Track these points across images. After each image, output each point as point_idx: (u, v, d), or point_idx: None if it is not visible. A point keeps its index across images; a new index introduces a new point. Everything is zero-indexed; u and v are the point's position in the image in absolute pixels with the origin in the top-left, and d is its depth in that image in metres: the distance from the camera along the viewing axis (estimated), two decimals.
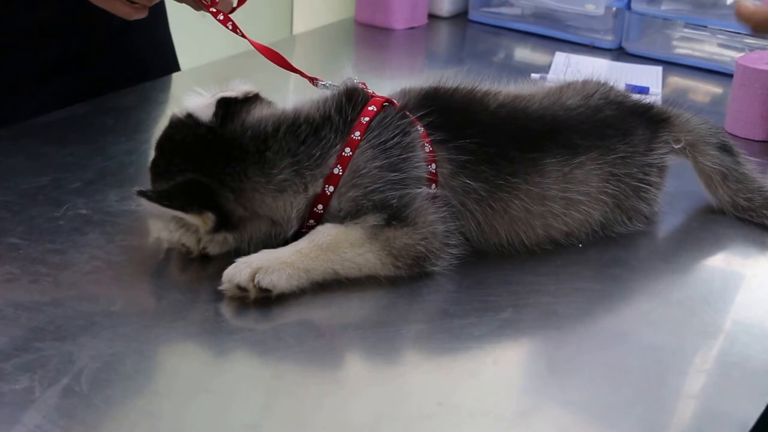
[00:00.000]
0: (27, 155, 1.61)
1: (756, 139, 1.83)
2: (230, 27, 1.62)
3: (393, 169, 1.33)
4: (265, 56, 1.59)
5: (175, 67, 2.02)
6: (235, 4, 1.72)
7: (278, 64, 1.59)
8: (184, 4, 1.63)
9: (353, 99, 1.38)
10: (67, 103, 1.76)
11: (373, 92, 1.41)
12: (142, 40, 1.69)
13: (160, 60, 1.98)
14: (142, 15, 1.60)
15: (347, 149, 1.33)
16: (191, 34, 1.54)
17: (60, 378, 1.10)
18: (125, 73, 1.87)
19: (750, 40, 2.29)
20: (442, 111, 1.39)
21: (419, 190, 1.33)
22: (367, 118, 1.35)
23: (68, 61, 1.71)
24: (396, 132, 1.35)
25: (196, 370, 1.17)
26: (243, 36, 1.62)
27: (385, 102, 1.38)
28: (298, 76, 1.59)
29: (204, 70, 2.12)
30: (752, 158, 1.57)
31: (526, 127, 1.41)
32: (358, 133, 1.34)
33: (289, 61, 1.59)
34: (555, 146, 1.41)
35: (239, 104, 1.38)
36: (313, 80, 1.54)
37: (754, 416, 1.12)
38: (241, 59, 1.90)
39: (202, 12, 1.66)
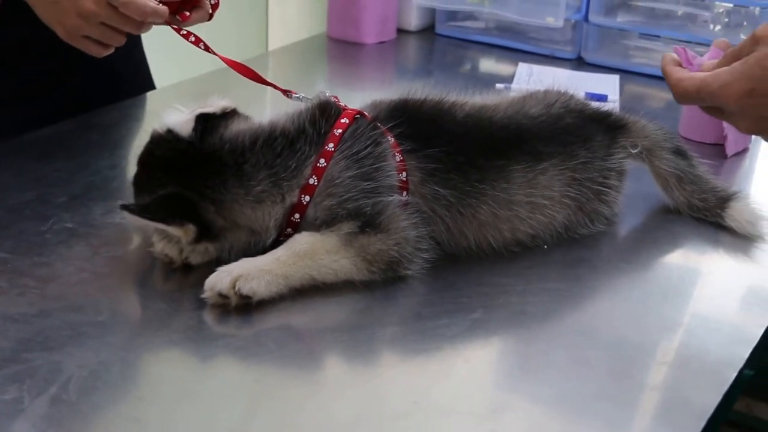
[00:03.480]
0: (13, 171, 1.59)
1: (708, 142, 1.84)
2: (202, 47, 1.62)
3: (366, 179, 1.32)
4: (238, 72, 1.58)
5: (151, 85, 2.01)
6: (210, 11, 1.71)
7: (251, 79, 1.59)
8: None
9: (326, 112, 1.37)
10: (47, 121, 1.75)
11: (345, 105, 1.40)
12: (117, 60, 1.67)
13: (136, 78, 1.97)
14: (109, 52, 1.59)
15: (322, 160, 1.32)
16: (166, 52, 1.53)
17: (48, 387, 1.09)
18: (102, 91, 1.85)
19: (700, 49, 2.29)
20: (412, 122, 1.39)
21: (391, 197, 1.32)
22: (339, 130, 1.35)
23: (46, 80, 1.69)
24: (368, 143, 1.34)
25: (181, 377, 1.16)
26: (215, 54, 1.61)
27: (356, 114, 1.38)
28: (273, 90, 1.58)
29: (180, 87, 2.11)
30: (705, 160, 1.58)
31: (491, 136, 1.41)
32: (331, 145, 1.33)
33: (265, 75, 1.58)
34: (519, 153, 1.41)
35: (217, 119, 1.38)
36: (286, 93, 1.54)
37: (712, 405, 1.12)
38: (216, 75, 1.89)
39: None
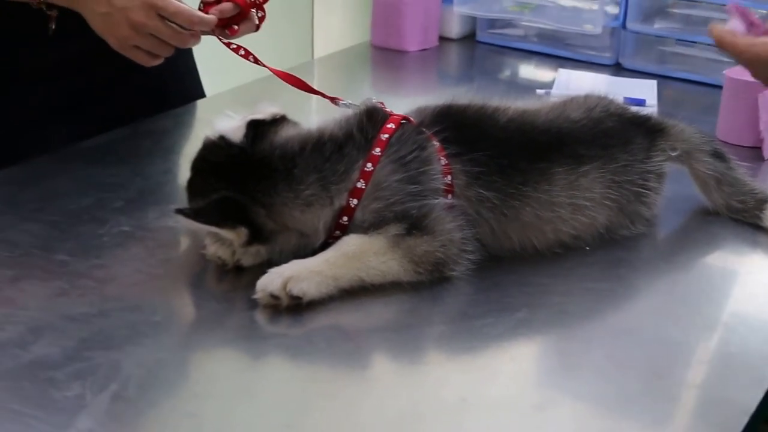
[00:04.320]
0: (71, 178, 1.61)
1: (745, 145, 1.82)
2: (252, 60, 1.63)
3: (412, 182, 1.32)
4: (286, 81, 1.60)
5: (201, 93, 2.01)
6: (257, 22, 1.72)
7: (299, 88, 1.60)
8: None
9: (373, 117, 1.37)
10: (101, 129, 1.76)
11: (391, 111, 1.40)
12: (168, 69, 1.68)
13: (186, 86, 1.97)
14: (158, 62, 1.61)
15: (369, 164, 1.33)
16: (215, 61, 1.54)
17: (109, 384, 1.10)
18: (154, 100, 1.86)
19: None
20: (456, 126, 1.39)
21: (437, 200, 1.33)
22: (386, 135, 1.35)
23: (99, 89, 1.71)
24: (413, 147, 1.34)
25: (235, 375, 1.17)
26: (264, 65, 1.63)
27: (402, 120, 1.38)
28: (319, 97, 1.59)
29: (230, 95, 2.12)
30: (743, 163, 1.57)
31: (534, 140, 1.41)
32: (378, 149, 1.34)
33: (312, 82, 1.59)
34: (561, 156, 1.40)
35: (267, 125, 1.39)
36: (334, 100, 1.54)
37: (754, 402, 1.11)
38: (264, 83, 1.90)
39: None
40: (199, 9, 1.71)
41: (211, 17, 1.57)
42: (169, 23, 1.55)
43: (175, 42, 1.58)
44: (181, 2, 1.57)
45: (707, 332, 1.27)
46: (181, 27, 1.57)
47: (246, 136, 1.36)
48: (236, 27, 1.70)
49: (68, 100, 1.73)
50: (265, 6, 1.71)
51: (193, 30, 1.58)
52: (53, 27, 1.62)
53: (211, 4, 1.67)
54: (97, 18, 1.55)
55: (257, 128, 1.38)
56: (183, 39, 1.58)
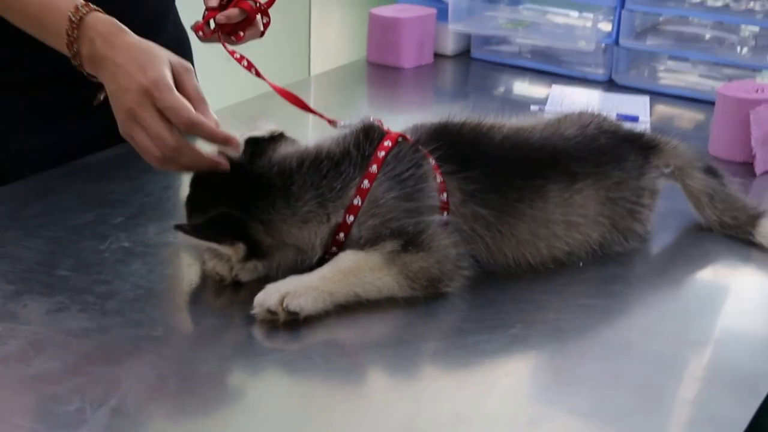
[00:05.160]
0: (72, 193, 1.61)
1: (737, 160, 1.83)
2: (254, 72, 1.61)
3: (408, 199, 1.33)
4: (287, 100, 1.58)
5: None
6: (261, 28, 1.71)
7: (299, 107, 1.58)
8: (206, 51, 1.61)
9: (370, 135, 1.38)
10: (104, 145, 1.76)
11: (388, 128, 1.41)
12: None
13: None
14: (154, 162, 1.41)
15: (365, 182, 1.33)
16: (213, 78, 1.53)
17: (109, 399, 1.10)
18: None
19: (728, 71, 2.29)
20: (452, 144, 1.39)
21: (432, 217, 1.33)
22: (383, 153, 1.35)
23: (102, 106, 1.70)
24: (410, 165, 1.35)
25: (232, 389, 1.17)
26: (265, 80, 1.61)
27: (399, 137, 1.38)
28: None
29: (228, 111, 2.11)
30: (735, 178, 1.58)
31: (528, 157, 1.41)
32: (375, 167, 1.34)
33: (309, 99, 1.58)
34: (556, 174, 1.41)
35: (266, 143, 1.39)
36: (332, 122, 1.53)
37: (746, 419, 1.11)
38: (262, 100, 1.90)
39: (227, 57, 1.65)
40: (204, 15, 1.71)
41: (208, 125, 1.37)
42: (163, 118, 1.36)
43: (157, 143, 1.37)
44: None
45: (700, 348, 1.27)
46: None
47: (245, 152, 1.37)
48: (242, 33, 1.69)
49: (68, 114, 1.73)
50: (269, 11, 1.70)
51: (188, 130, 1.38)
52: (101, 98, 1.54)
53: (216, 10, 1.66)
54: (108, 95, 1.43)
55: (256, 145, 1.38)
56: (166, 144, 1.36)
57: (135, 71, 1.37)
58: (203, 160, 1.38)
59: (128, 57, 1.39)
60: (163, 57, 1.40)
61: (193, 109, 1.36)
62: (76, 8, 1.43)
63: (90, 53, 1.43)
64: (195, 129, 1.37)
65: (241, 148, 1.36)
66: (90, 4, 1.45)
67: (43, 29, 1.47)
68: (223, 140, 1.38)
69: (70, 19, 1.43)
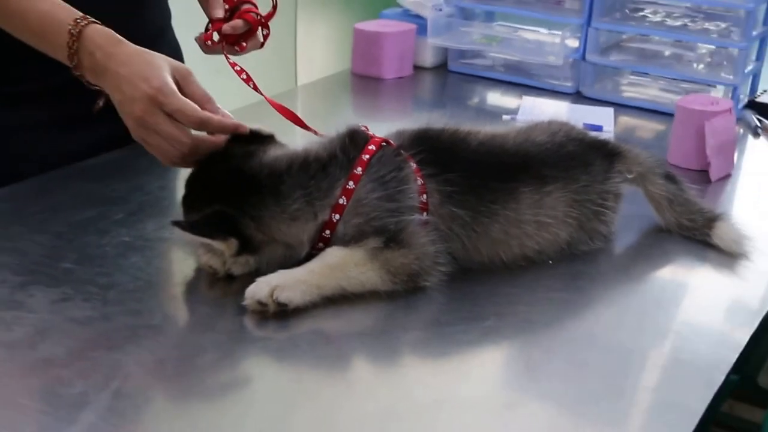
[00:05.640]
0: (76, 192, 1.61)
1: (694, 168, 1.84)
2: (251, 86, 1.61)
3: (390, 200, 1.33)
4: (280, 113, 1.57)
5: None
6: (262, 40, 1.72)
7: (293, 122, 1.58)
8: (196, 62, 1.60)
9: (355, 139, 1.38)
10: (104, 148, 1.76)
11: (373, 133, 1.41)
12: None
13: None
14: (174, 164, 1.45)
15: (351, 183, 1.33)
16: (207, 88, 1.53)
17: (110, 382, 1.10)
18: None
19: (685, 85, 2.31)
20: (432, 149, 1.39)
21: (413, 217, 1.33)
22: (367, 156, 1.35)
23: (102, 112, 1.69)
24: (392, 168, 1.35)
25: (225, 374, 1.17)
26: (262, 94, 1.60)
27: (382, 142, 1.38)
28: (303, 118, 1.58)
29: None
30: (692, 185, 1.58)
31: (502, 162, 1.42)
32: (359, 169, 1.34)
33: (296, 107, 1.58)
34: (527, 177, 1.41)
35: (258, 146, 1.39)
36: (320, 136, 1.51)
37: (702, 405, 1.12)
38: (251, 109, 1.89)
39: (217, 69, 1.65)
40: (207, 28, 1.71)
41: (216, 119, 1.41)
42: (174, 121, 1.38)
43: (174, 144, 1.40)
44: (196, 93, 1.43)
45: (659, 339, 1.28)
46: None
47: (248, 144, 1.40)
48: (245, 44, 1.70)
49: (74, 120, 1.73)
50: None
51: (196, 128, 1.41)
52: (101, 104, 1.60)
53: (221, 21, 1.67)
54: (114, 104, 1.44)
55: (248, 148, 1.39)
56: (182, 142, 1.40)
57: (138, 81, 1.38)
58: (219, 141, 1.41)
59: (130, 67, 1.40)
60: (163, 64, 1.41)
61: (199, 108, 1.38)
62: (75, 21, 1.43)
63: (91, 64, 1.43)
64: (205, 125, 1.40)
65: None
66: (88, 17, 1.45)
67: (45, 41, 1.47)
68: (233, 129, 1.42)
69: (70, 32, 1.43)
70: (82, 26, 1.43)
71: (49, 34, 1.45)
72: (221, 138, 1.43)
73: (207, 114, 1.40)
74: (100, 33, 1.44)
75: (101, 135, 1.72)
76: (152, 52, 1.44)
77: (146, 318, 1.26)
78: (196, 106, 1.39)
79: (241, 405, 1.10)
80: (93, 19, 1.45)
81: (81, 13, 1.45)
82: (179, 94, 1.38)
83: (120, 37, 1.45)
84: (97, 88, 1.47)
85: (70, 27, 1.43)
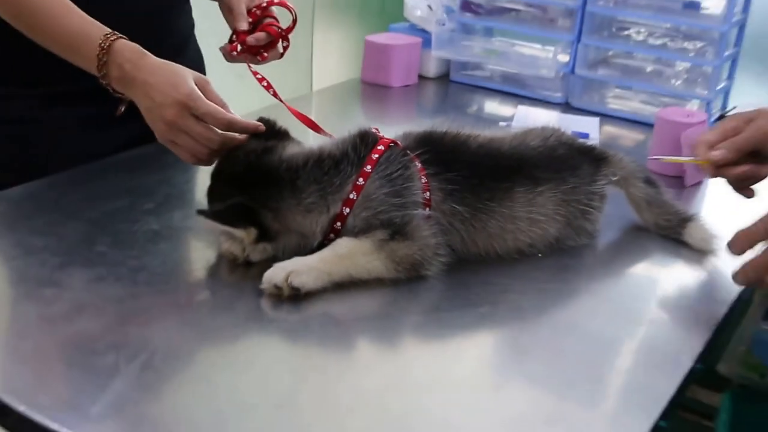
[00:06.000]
0: (109, 184, 1.61)
1: (670, 174, 1.83)
2: (271, 92, 1.62)
3: (396, 195, 1.33)
4: (298, 118, 1.59)
5: None
6: (281, 50, 1.72)
7: (308, 126, 1.59)
8: (217, 68, 1.61)
9: (365, 140, 1.38)
10: (135, 144, 1.76)
11: (382, 135, 1.41)
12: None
13: None
14: (199, 162, 1.49)
15: (360, 179, 1.33)
16: (226, 91, 1.54)
17: (139, 355, 1.11)
18: None
19: (664, 99, 2.30)
20: (435, 150, 1.39)
21: (416, 212, 1.33)
22: (376, 155, 1.35)
23: (132, 111, 1.69)
24: (399, 166, 1.35)
25: (243, 350, 1.17)
26: (281, 101, 1.62)
27: (391, 143, 1.38)
28: (317, 120, 1.59)
29: None
30: (669, 189, 1.58)
31: (499, 163, 1.41)
32: (369, 167, 1.34)
33: (310, 110, 1.59)
34: (521, 178, 1.41)
35: (276, 144, 1.40)
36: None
37: (672, 388, 1.13)
38: (269, 111, 1.87)
39: (238, 74, 1.65)
40: (231, 39, 1.71)
41: (240, 120, 1.44)
42: (201, 123, 1.42)
43: (205, 142, 1.43)
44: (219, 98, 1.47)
45: (635, 328, 1.28)
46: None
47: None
48: (266, 54, 1.70)
49: (106, 119, 1.73)
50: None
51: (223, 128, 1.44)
52: (123, 110, 1.60)
53: (245, 33, 1.67)
54: (144, 113, 1.47)
55: (268, 145, 1.40)
56: (212, 139, 1.43)
57: (168, 89, 1.41)
58: (242, 139, 1.44)
59: (158, 77, 1.43)
60: (187, 74, 1.44)
61: (225, 111, 1.42)
62: (105, 37, 1.46)
63: (120, 75, 1.46)
64: (232, 126, 1.43)
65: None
66: (116, 33, 1.47)
67: (76, 55, 1.49)
68: (254, 129, 1.44)
69: (100, 46, 1.46)
70: (111, 41, 1.46)
71: (81, 48, 1.48)
72: (243, 136, 1.44)
73: (233, 116, 1.43)
74: (127, 47, 1.47)
75: (131, 132, 1.72)
76: (175, 64, 1.46)
77: (172, 298, 1.26)
78: (222, 109, 1.42)
79: (257, 377, 1.10)
80: (120, 35, 1.47)
81: (109, 30, 1.47)
82: (206, 99, 1.41)
83: (145, 51, 1.47)
84: (120, 95, 1.50)
85: (100, 42, 1.46)
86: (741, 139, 1.39)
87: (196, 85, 1.43)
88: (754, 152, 1.39)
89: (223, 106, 1.45)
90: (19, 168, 1.64)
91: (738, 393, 1.48)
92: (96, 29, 1.48)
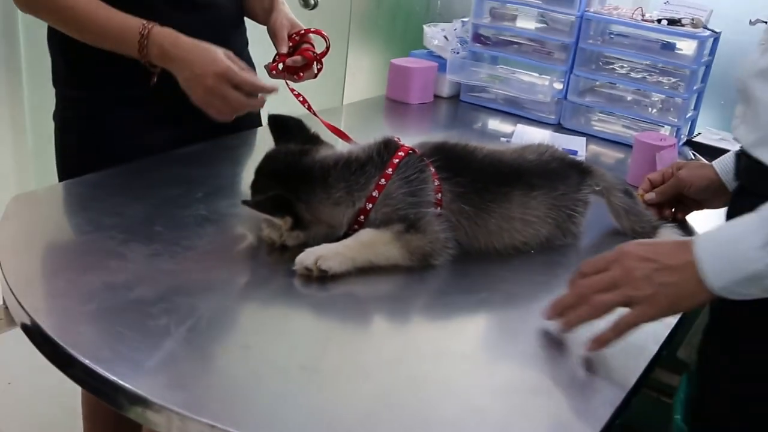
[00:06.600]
0: (167, 174, 1.60)
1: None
2: (306, 107, 1.64)
3: (412, 195, 1.32)
4: (330, 130, 1.60)
5: (259, 123, 1.97)
6: (315, 72, 1.72)
7: (338, 136, 1.61)
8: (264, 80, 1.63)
9: (388, 146, 1.37)
10: (190, 142, 1.75)
11: (402, 143, 1.40)
12: None
13: (251, 118, 1.95)
14: (229, 119, 1.59)
15: (383, 180, 1.32)
16: (270, 102, 1.57)
17: (187, 320, 1.10)
18: (228, 125, 1.84)
19: (642, 124, 2.28)
20: (447, 158, 1.38)
21: (429, 210, 1.32)
22: (397, 160, 1.34)
23: (188, 113, 1.69)
24: (416, 170, 1.34)
25: (276, 320, 1.17)
26: (316, 115, 1.64)
27: (409, 150, 1.37)
28: (345, 130, 1.60)
29: None
30: None
31: (500, 171, 1.40)
32: (390, 170, 1.33)
33: (340, 121, 1.60)
34: (519, 184, 1.40)
35: (312, 147, 1.39)
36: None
37: (637, 371, 1.12)
38: (305, 120, 1.89)
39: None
40: (275, 59, 1.72)
41: (271, 85, 1.55)
42: (237, 90, 1.52)
43: (239, 106, 1.55)
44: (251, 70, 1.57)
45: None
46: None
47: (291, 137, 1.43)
48: (302, 74, 1.70)
49: (165, 119, 1.73)
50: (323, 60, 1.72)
51: (256, 97, 1.55)
52: (155, 80, 1.60)
53: (285, 56, 1.67)
54: (182, 80, 1.54)
55: (304, 147, 1.39)
56: (245, 104, 1.55)
57: (206, 63, 1.51)
58: (261, 103, 1.59)
59: (195, 54, 1.52)
60: (219, 50, 1.53)
61: (256, 79, 1.55)
62: (144, 26, 1.53)
63: (159, 53, 1.53)
64: (261, 90, 1.56)
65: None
66: (153, 22, 1.53)
67: (121, 43, 1.54)
68: (270, 90, 1.56)
69: (141, 33, 1.52)
70: (149, 28, 1.52)
71: (125, 37, 1.53)
72: (263, 99, 1.58)
73: (262, 82, 1.55)
74: (163, 31, 1.53)
75: (186, 131, 1.72)
76: (204, 42, 1.53)
77: (217, 274, 1.25)
78: (252, 78, 1.53)
79: (287, 343, 1.10)
80: (155, 23, 1.53)
81: (146, 20, 1.53)
82: (239, 70, 1.52)
83: (178, 32, 1.53)
84: (153, 70, 1.56)
85: (140, 29, 1.52)
86: (667, 187, 1.58)
87: (225, 56, 1.52)
88: (678, 194, 1.57)
89: (248, 70, 1.54)
90: (93, 159, 1.63)
91: (693, 375, 1.47)
92: (134, 21, 1.53)
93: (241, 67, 1.54)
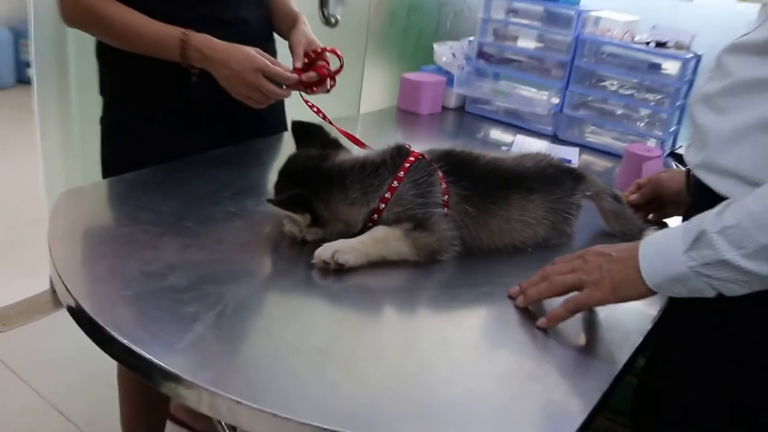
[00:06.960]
0: (198, 174, 1.60)
1: None
2: (321, 116, 1.66)
3: (421, 196, 1.31)
4: (345, 136, 1.59)
5: (285, 128, 1.97)
6: (328, 87, 1.72)
7: (353, 142, 1.61)
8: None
9: (400, 152, 1.36)
10: (219, 145, 1.75)
11: (413, 149, 1.39)
12: (265, 112, 1.69)
13: (277, 122, 1.95)
14: (263, 107, 1.63)
15: (395, 182, 1.31)
16: (293, 107, 1.58)
17: (215, 306, 1.10)
18: (255, 129, 1.84)
19: (630, 136, 2.27)
20: (453, 163, 1.37)
21: (437, 210, 1.31)
22: (408, 164, 1.34)
23: (219, 119, 1.70)
24: (425, 174, 1.33)
25: (295, 309, 1.16)
26: (332, 123, 1.65)
27: (419, 155, 1.36)
28: (360, 138, 1.59)
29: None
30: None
31: (502, 176, 1.40)
32: (402, 173, 1.32)
33: (355, 130, 1.59)
34: (518, 188, 1.39)
35: (331, 150, 1.38)
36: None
37: (623, 360, 1.12)
38: (325, 127, 1.88)
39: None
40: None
41: (295, 76, 1.63)
42: (271, 82, 1.58)
43: (274, 95, 1.60)
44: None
45: (600, 310, 1.24)
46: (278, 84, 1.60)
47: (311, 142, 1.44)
48: (315, 89, 1.70)
49: (198, 124, 1.72)
50: (337, 77, 1.72)
51: (287, 88, 1.63)
52: (195, 79, 1.61)
53: (299, 70, 1.67)
54: (221, 77, 1.58)
55: (324, 152, 1.38)
56: (279, 94, 1.61)
57: (243, 60, 1.56)
58: (288, 94, 1.66)
59: (232, 53, 1.56)
60: (251, 49, 1.58)
61: (288, 73, 1.61)
62: (183, 33, 1.55)
63: (200, 56, 1.56)
64: (289, 81, 1.62)
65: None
66: (190, 30, 1.56)
67: (163, 50, 1.57)
68: (294, 81, 1.62)
69: (181, 39, 1.55)
70: (188, 35, 1.56)
71: (166, 44, 1.56)
72: (289, 91, 1.64)
73: (294, 76, 1.62)
74: (200, 37, 1.56)
75: (217, 136, 1.73)
76: (236, 44, 1.57)
77: (242, 265, 1.25)
78: (286, 72, 1.60)
79: (304, 329, 1.10)
80: (192, 31, 1.56)
81: (182, 28, 1.55)
82: (272, 64, 1.57)
83: (212, 37, 1.57)
84: (193, 71, 1.59)
85: (180, 36, 1.55)
86: (647, 189, 1.60)
87: (257, 53, 1.57)
88: (658, 196, 1.59)
89: (279, 64, 1.61)
90: (133, 160, 1.63)
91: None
92: (173, 30, 1.55)
93: (272, 61, 1.59)
